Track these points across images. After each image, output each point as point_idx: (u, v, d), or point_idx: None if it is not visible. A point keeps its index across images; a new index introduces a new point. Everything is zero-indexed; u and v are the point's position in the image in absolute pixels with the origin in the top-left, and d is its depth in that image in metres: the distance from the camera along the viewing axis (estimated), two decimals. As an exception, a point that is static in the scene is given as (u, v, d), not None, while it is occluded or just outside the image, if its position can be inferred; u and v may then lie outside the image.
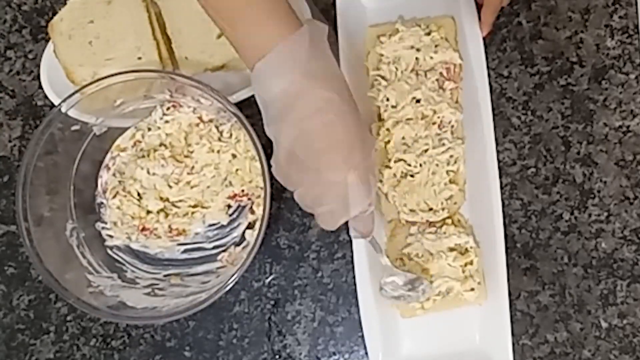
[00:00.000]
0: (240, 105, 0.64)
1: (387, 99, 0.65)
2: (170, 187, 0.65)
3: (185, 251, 0.66)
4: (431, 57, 0.65)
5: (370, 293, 0.61)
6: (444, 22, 0.66)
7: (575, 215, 0.65)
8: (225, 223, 0.66)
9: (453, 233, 0.63)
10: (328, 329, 0.65)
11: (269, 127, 0.50)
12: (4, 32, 0.72)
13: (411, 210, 0.64)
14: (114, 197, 0.65)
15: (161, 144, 0.66)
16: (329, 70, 0.49)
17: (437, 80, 0.65)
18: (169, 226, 0.65)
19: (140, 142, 0.66)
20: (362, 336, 0.62)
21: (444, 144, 0.64)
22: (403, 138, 0.64)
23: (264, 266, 0.66)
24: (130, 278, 0.64)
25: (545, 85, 0.67)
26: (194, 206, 0.66)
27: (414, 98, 0.64)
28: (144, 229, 0.65)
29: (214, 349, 0.66)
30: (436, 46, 0.65)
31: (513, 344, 0.60)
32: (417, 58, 0.65)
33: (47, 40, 0.68)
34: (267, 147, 0.61)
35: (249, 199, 0.66)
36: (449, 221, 0.64)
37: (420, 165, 0.64)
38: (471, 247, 0.62)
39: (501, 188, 0.62)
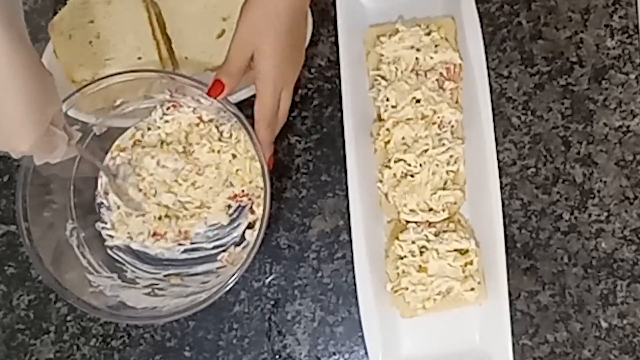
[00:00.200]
0: (240, 105, 0.64)
1: (387, 99, 0.65)
2: (180, 184, 0.65)
3: (185, 251, 0.66)
4: (431, 57, 0.65)
5: (371, 293, 0.61)
6: (444, 22, 0.66)
7: (575, 215, 0.65)
8: (225, 223, 0.66)
9: (453, 233, 0.63)
10: (328, 329, 0.65)
11: None
12: (4, 32, 0.72)
13: (411, 210, 0.64)
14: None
15: (163, 143, 0.66)
16: None
17: (437, 80, 0.65)
18: (179, 230, 0.65)
19: (140, 142, 0.66)
20: (362, 336, 0.62)
21: (444, 144, 0.64)
22: (403, 138, 0.64)
23: (264, 266, 0.66)
24: (130, 278, 0.64)
25: (545, 85, 0.67)
26: (199, 207, 0.66)
27: (414, 98, 0.64)
28: (155, 234, 0.65)
29: (214, 349, 0.66)
30: (436, 46, 0.65)
31: (513, 344, 0.60)
32: (417, 58, 0.65)
33: (47, 40, 0.68)
34: (267, 147, 0.61)
35: (249, 199, 0.66)
36: (449, 221, 0.64)
37: (420, 165, 0.64)
38: (471, 247, 0.62)
39: (501, 188, 0.62)
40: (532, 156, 0.66)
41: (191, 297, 0.60)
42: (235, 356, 0.65)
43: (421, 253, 0.62)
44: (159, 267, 0.66)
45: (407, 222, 0.64)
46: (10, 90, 0.43)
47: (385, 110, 0.65)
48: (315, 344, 0.65)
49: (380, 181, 0.65)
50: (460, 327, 0.63)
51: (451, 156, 0.64)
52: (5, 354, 0.67)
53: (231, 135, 0.65)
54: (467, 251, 0.62)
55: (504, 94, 0.67)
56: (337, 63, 0.65)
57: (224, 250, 0.66)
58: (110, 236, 0.66)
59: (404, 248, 0.62)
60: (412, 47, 0.65)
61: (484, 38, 0.64)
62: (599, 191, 0.65)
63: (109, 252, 0.66)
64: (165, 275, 0.65)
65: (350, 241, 0.62)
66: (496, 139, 0.63)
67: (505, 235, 0.61)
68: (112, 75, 0.60)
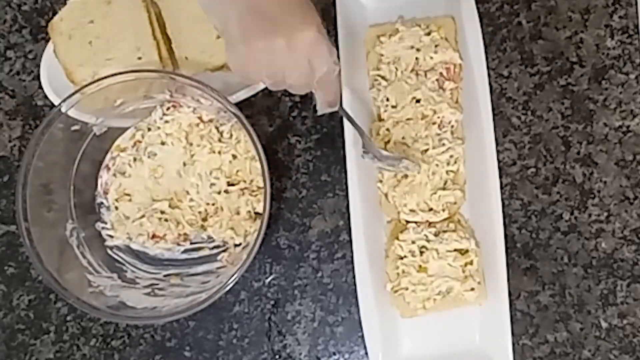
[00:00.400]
0: (240, 105, 0.64)
1: (387, 99, 0.65)
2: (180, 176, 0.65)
3: (185, 251, 0.66)
4: (431, 57, 0.65)
5: (371, 293, 0.61)
6: (444, 22, 0.66)
7: (575, 215, 0.65)
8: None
9: (453, 233, 0.63)
10: (328, 329, 0.65)
11: (212, 14, 0.49)
12: (4, 32, 0.72)
13: (411, 210, 0.64)
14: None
15: (164, 143, 0.66)
16: None
17: (437, 80, 0.65)
18: (178, 233, 0.65)
19: (140, 142, 0.66)
20: (362, 336, 0.62)
21: (444, 144, 0.64)
22: (403, 138, 0.64)
23: (264, 266, 0.66)
24: (130, 278, 0.64)
25: (545, 85, 0.67)
26: (200, 212, 0.66)
27: (414, 98, 0.64)
28: (154, 236, 0.65)
29: (214, 349, 0.66)
30: (436, 46, 0.65)
31: (513, 344, 0.60)
32: (417, 58, 0.65)
33: (47, 40, 0.68)
34: (267, 148, 0.61)
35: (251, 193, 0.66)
36: (449, 221, 0.64)
37: (422, 164, 0.64)
38: (471, 247, 0.62)
39: (501, 188, 0.62)
40: (532, 156, 0.66)
41: (191, 297, 0.60)
42: (235, 356, 0.65)
43: (421, 253, 0.62)
44: (159, 267, 0.66)
45: (407, 222, 0.64)
46: None
47: (385, 110, 0.65)
48: (315, 344, 0.65)
49: (380, 181, 0.65)
50: (460, 327, 0.63)
51: (451, 156, 0.64)
52: (5, 354, 0.67)
53: (231, 135, 0.65)
54: (467, 251, 0.62)
55: (504, 94, 0.67)
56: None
57: (224, 250, 0.66)
58: (110, 236, 0.66)
59: (404, 248, 0.62)
60: (412, 47, 0.65)
61: (484, 38, 0.64)
62: (599, 191, 0.65)
63: (109, 252, 0.66)
64: (165, 275, 0.65)
65: (350, 241, 0.62)
66: (496, 139, 0.63)
67: (505, 235, 0.61)
68: (112, 75, 0.60)
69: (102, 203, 0.67)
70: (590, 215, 0.65)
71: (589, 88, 0.67)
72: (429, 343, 0.63)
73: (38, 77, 0.68)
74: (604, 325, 0.63)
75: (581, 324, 0.64)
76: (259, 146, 0.58)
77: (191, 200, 0.65)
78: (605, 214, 0.65)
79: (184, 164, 0.65)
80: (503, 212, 0.62)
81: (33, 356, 0.67)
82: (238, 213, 0.65)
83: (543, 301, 0.64)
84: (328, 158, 0.68)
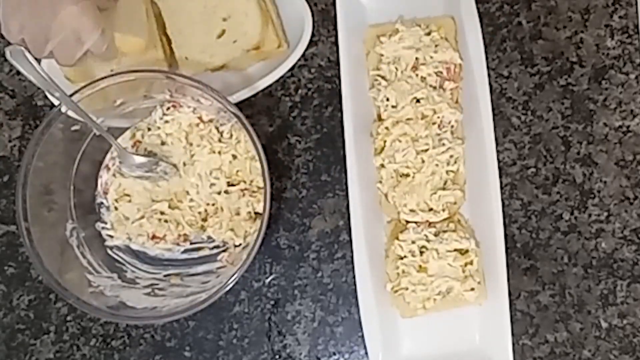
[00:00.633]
0: (240, 105, 0.64)
1: (387, 99, 0.65)
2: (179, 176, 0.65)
3: (185, 251, 0.66)
4: (431, 57, 0.65)
5: (371, 293, 0.61)
6: (444, 22, 0.66)
7: (575, 215, 0.65)
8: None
9: (453, 233, 0.63)
10: (328, 329, 0.65)
11: None
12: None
13: (411, 210, 0.64)
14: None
15: (164, 143, 0.66)
16: None
17: (437, 80, 0.65)
18: (178, 234, 0.65)
19: (140, 142, 0.66)
20: (362, 336, 0.62)
21: (444, 144, 0.64)
22: (403, 137, 0.64)
23: (264, 266, 0.66)
24: (130, 278, 0.64)
25: (545, 85, 0.67)
26: (199, 212, 0.66)
27: (414, 98, 0.64)
28: (154, 237, 0.65)
29: (214, 349, 0.66)
30: (436, 46, 0.65)
31: (513, 344, 0.60)
32: (417, 58, 0.65)
33: (47, 40, 0.68)
34: (267, 148, 0.61)
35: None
36: (449, 221, 0.64)
37: (421, 163, 0.64)
38: (471, 247, 0.62)
39: (501, 188, 0.62)
40: (532, 156, 0.66)
41: (191, 297, 0.60)
42: (235, 356, 0.65)
43: (421, 253, 0.62)
44: (159, 267, 0.66)
45: (407, 222, 0.64)
46: None
47: (385, 110, 0.65)
48: (315, 344, 0.65)
49: (380, 181, 0.65)
50: (460, 327, 0.63)
51: (451, 156, 0.64)
52: (5, 354, 0.67)
53: (231, 135, 0.65)
54: (467, 251, 0.62)
55: (504, 94, 0.67)
56: (337, 63, 0.65)
57: (224, 250, 0.66)
58: (110, 236, 0.66)
59: (404, 248, 0.62)
60: (412, 47, 0.65)
61: (484, 38, 0.64)
62: (599, 191, 0.65)
63: (109, 252, 0.66)
64: (165, 275, 0.65)
65: (350, 241, 0.62)
66: (496, 139, 0.63)
67: (505, 235, 0.61)
68: (112, 75, 0.60)
69: (102, 203, 0.67)
70: (590, 215, 0.65)
71: (589, 88, 0.67)
72: (429, 343, 0.63)
73: (38, 77, 0.68)
74: (604, 325, 0.63)
75: (581, 324, 0.64)
76: (259, 146, 0.58)
77: (191, 200, 0.65)
78: (605, 214, 0.65)
79: (184, 164, 0.65)
80: (503, 212, 0.62)
81: (33, 356, 0.67)
82: (238, 214, 0.65)
83: (543, 301, 0.64)
84: (328, 158, 0.68)
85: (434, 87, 0.65)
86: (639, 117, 0.66)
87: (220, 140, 0.65)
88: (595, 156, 0.66)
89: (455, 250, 0.62)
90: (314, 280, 0.66)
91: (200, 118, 0.66)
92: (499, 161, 0.64)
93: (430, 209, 0.64)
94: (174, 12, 0.66)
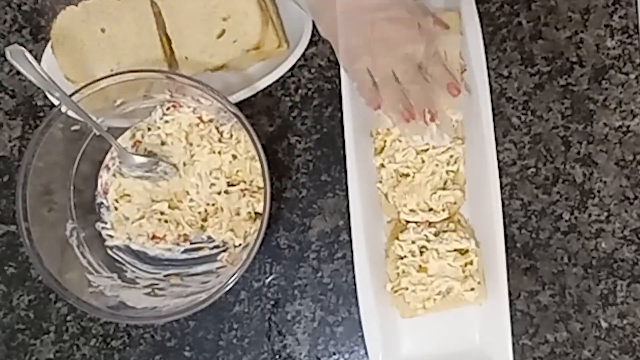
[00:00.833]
0: (240, 105, 0.64)
1: (387, 99, 0.65)
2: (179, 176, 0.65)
3: (185, 251, 0.66)
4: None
5: (371, 293, 0.61)
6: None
7: (575, 215, 0.65)
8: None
9: (453, 233, 0.63)
10: (328, 329, 0.65)
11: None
12: (4, 32, 0.72)
13: (411, 210, 0.64)
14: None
15: (164, 143, 0.66)
16: None
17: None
18: (178, 234, 0.65)
19: (140, 142, 0.66)
20: (362, 336, 0.62)
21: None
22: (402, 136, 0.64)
23: (264, 266, 0.66)
24: (130, 278, 0.64)
25: (545, 85, 0.67)
26: (199, 212, 0.66)
27: (414, 98, 0.64)
28: (154, 237, 0.65)
29: (214, 349, 0.66)
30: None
31: (513, 344, 0.60)
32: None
33: (47, 40, 0.68)
34: (267, 148, 0.61)
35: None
36: (449, 221, 0.64)
37: (421, 164, 0.64)
38: (471, 247, 0.62)
39: (501, 188, 0.62)
40: (532, 156, 0.66)
41: (191, 297, 0.60)
42: (235, 356, 0.65)
43: (421, 253, 0.62)
44: (159, 267, 0.66)
45: (407, 222, 0.64)
46: None
47: (385, 110, 0.65)
48: (315, 344, 0.65)
49: (380, 181, 0.65)
50: (460, 327, 0.63)
51: (451, 156, 0.64)
52: (5, 354, 0.67)
53: (231, 135, 0.65)
54: (467, 251, 0.62)
55: (504, 94, 0.67)
56: (337, 63, 0.65)
57: (224, 250, 0.66)
58: (110, 236, 0.66)
59: (404, 248, 0.62)
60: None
61: (484, 38, 0.64)
62: (599, 191, 0.65)
63: (109, 252, 0.66)
64: (165, 275, 0.65)
65: (350, 241, 0.62)
66: (496, 139, 0.63)
67: (505, 235, 0.61)
68: (112, 75, 0.60)
69: (102, 203, 0.67)
70: (590, 215, 0.65)
71: (589, 88, 0.67)
72: (429, 343, 0.63)
73: (38, 77, 0.68)
74: (604, 325, 0.63)
75: (581, 324, 0.64)
76: (259, 146, 0.58)
77: (191, 200, 0.65)
78: (605, 214, 0.65)
79: (184, 164, 0.65)
80: (503, 212, 0.62)
81: (33, 356, 0.67)
82: (238, 214, 0.65)
83: (543, 301, 0.64)
84: (328, 158, 0.68)
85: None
86: (639, 117, 0.66)
87: (220, 140, 0.65)
88: (595, 156, 0.66)
89: (455, 250, 0.62)
90: (314, 280, 0.66)
91: (200, 118, 0.66)
92: (499, 161, 0.64)
93: (430, 209, 0.64)
94: (174, 12, 0.66)
